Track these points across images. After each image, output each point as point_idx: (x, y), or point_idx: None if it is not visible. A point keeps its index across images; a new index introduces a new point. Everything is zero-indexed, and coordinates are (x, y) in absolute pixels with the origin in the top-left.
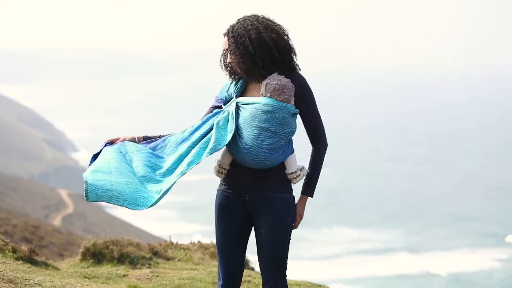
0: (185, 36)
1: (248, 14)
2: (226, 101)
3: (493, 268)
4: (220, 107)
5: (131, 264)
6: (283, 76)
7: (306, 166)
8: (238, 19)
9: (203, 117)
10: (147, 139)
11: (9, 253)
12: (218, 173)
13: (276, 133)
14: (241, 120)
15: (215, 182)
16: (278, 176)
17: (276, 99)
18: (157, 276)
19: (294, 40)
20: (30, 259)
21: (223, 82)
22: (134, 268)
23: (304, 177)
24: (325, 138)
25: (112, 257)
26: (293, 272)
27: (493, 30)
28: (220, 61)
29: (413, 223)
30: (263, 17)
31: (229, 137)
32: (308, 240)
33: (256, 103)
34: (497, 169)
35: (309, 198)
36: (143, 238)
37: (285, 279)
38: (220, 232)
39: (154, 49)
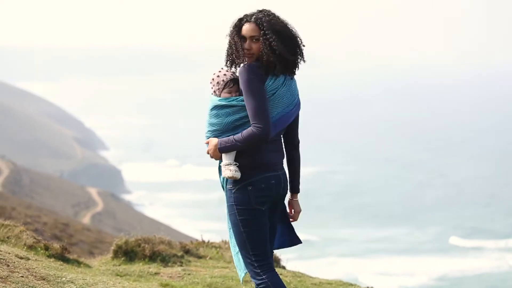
0: (217, 32)
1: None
2: None
3: None
4: None
5: (162, 262)
6: (223, 68)
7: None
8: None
9: None
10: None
11: (41, 251)
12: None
13: (210, 124)
14: None
15: None
16: None
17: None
18: (188, 274)
19: (320, 39)
20: (62, 257)
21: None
22: (165, 266)
23: (235, 172)
24: (256, 123)
25: (144, 255)
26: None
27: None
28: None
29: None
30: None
31: None
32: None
33: None
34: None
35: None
36: (173, 236)
37: (253, 276)
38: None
39: (183, 46)
